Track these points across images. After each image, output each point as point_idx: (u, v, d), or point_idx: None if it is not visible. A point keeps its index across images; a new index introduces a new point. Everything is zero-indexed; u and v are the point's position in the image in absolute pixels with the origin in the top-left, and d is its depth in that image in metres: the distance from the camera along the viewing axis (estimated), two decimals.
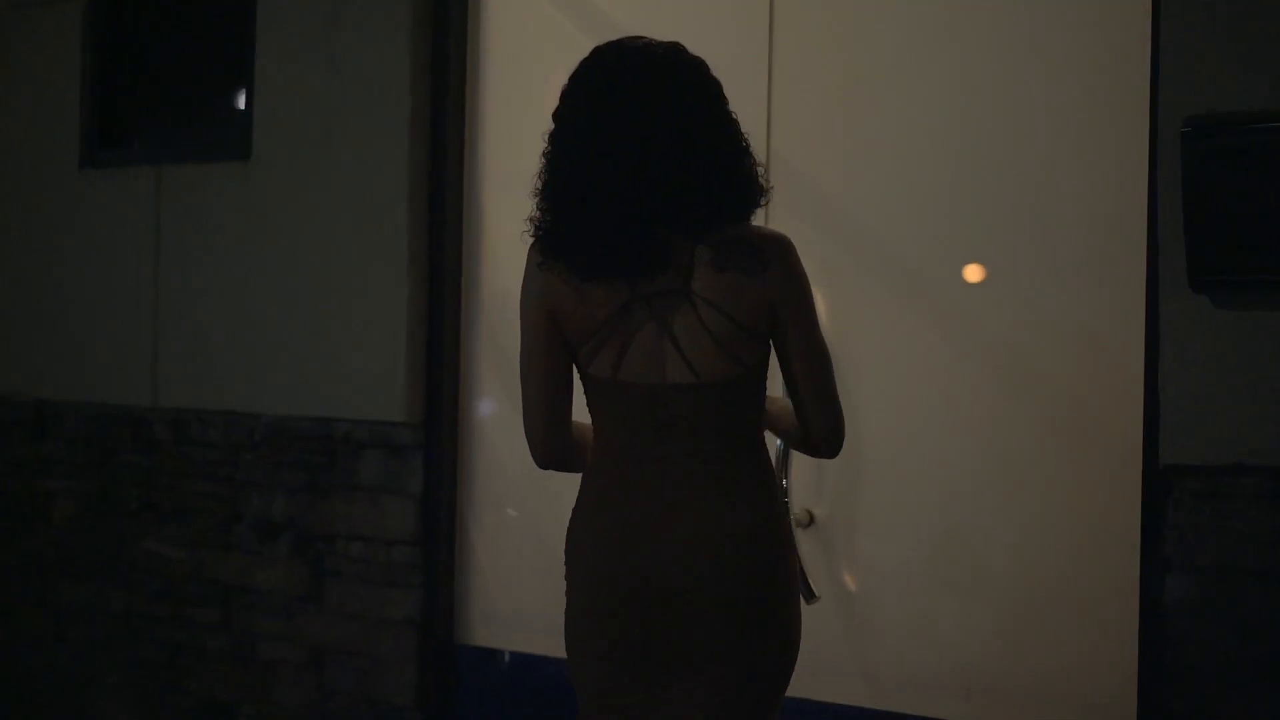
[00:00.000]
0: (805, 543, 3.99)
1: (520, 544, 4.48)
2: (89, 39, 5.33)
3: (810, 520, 4.03)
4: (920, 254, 3.90)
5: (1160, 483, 3.49)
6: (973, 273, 3.83)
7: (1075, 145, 3.70)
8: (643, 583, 2.61)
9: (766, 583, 2.63)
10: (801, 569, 3.77)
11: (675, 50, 2.63)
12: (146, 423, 5.15)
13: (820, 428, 2.69)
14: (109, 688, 5.27)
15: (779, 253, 2.61)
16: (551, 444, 2.72)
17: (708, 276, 2.57)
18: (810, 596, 3.87)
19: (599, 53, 2.64)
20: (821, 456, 2.75)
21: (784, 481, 3.89)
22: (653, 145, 2.51)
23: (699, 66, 2.64)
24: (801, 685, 3.90)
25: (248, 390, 4.90)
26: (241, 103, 4.90)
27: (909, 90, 3.93)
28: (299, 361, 4.76)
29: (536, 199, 2.61)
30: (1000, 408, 3.80)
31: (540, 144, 2.67)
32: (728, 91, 3.04)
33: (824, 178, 4.04)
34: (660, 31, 2.80)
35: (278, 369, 4.82)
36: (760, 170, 2.64)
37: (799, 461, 3.97)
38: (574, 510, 2.74)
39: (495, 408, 4.55)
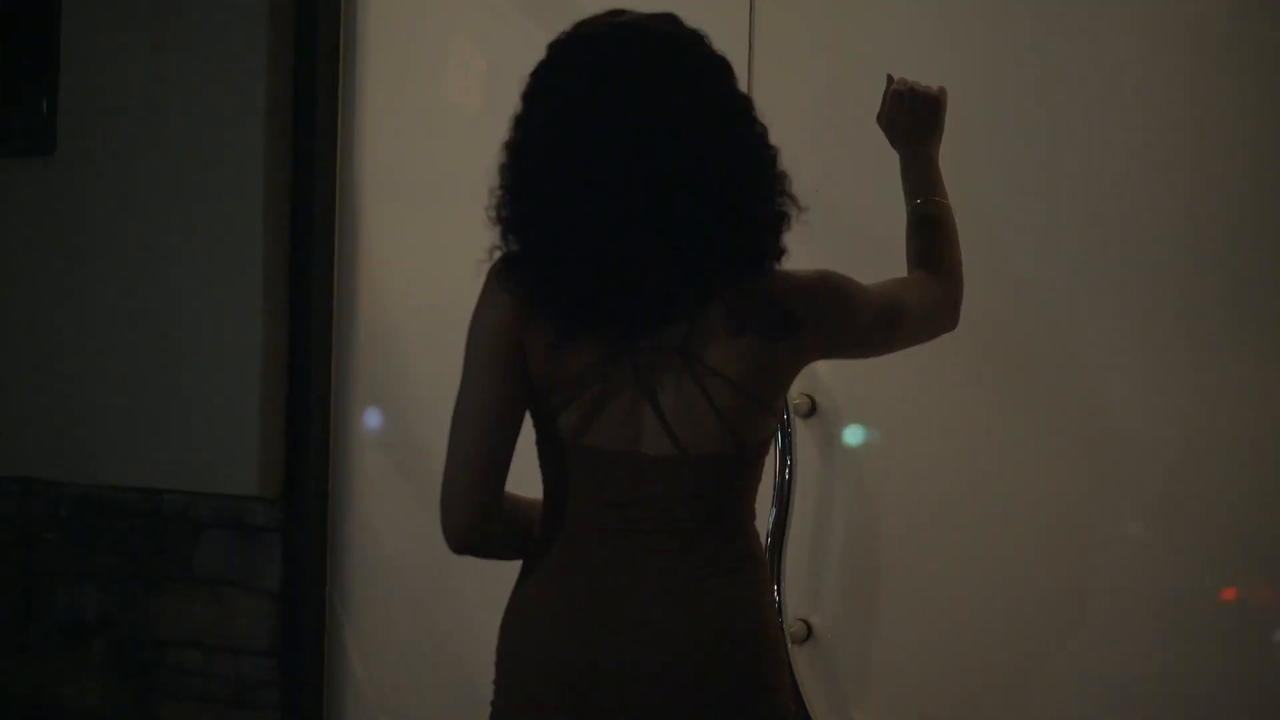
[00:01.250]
0: (800, 661, 3.50)
1: (410, 653, 4.16)
2: None
3: (808, 633, 3.52)
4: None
5: None
6: (1039, 309, 3.33)
7: (1183, 132, 3.17)
8: (598, 696, 2.42)
9: (753, 712, 2.43)
10: (800, 700, 3.42)
11: (693, 37, 2.40)
12: None
13: (947, 309, 2.69)
14: None
15: (816, 306, 2.41)
16: (476, 517, 2.45)
17: (719, 340, 2.37)
18: None
19: (575, 35, 2.40)
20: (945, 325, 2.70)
21: (775, 590, 3.42)
22: (661, 169, 2.28)
23: (722, 62, 2.41)
24: None
25: (51, 452, 4.46)
26: (42, 81, 4.48)
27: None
28: (119, 417, 4.33)
29: (497, 217, 2.37)
30: (1084, 484, 3.26)
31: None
32: None
33: (822, 188, 3.42)
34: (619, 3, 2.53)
35: (91, 426, 4.39)
36: (793, 200, 2.39)
37: (792, 558, 3.49)
38: (510, 602, 2.52)
39: (377, 479, 4.18)
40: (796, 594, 3.46)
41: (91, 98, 4.33)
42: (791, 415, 3.40)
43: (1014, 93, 3.36)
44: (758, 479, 2.50)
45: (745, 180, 2.37)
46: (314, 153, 4.11)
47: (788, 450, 3.37)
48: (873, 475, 3.47)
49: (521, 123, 2.37)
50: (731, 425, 2.40)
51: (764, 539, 3.34)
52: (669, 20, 2.38)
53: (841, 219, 3.49)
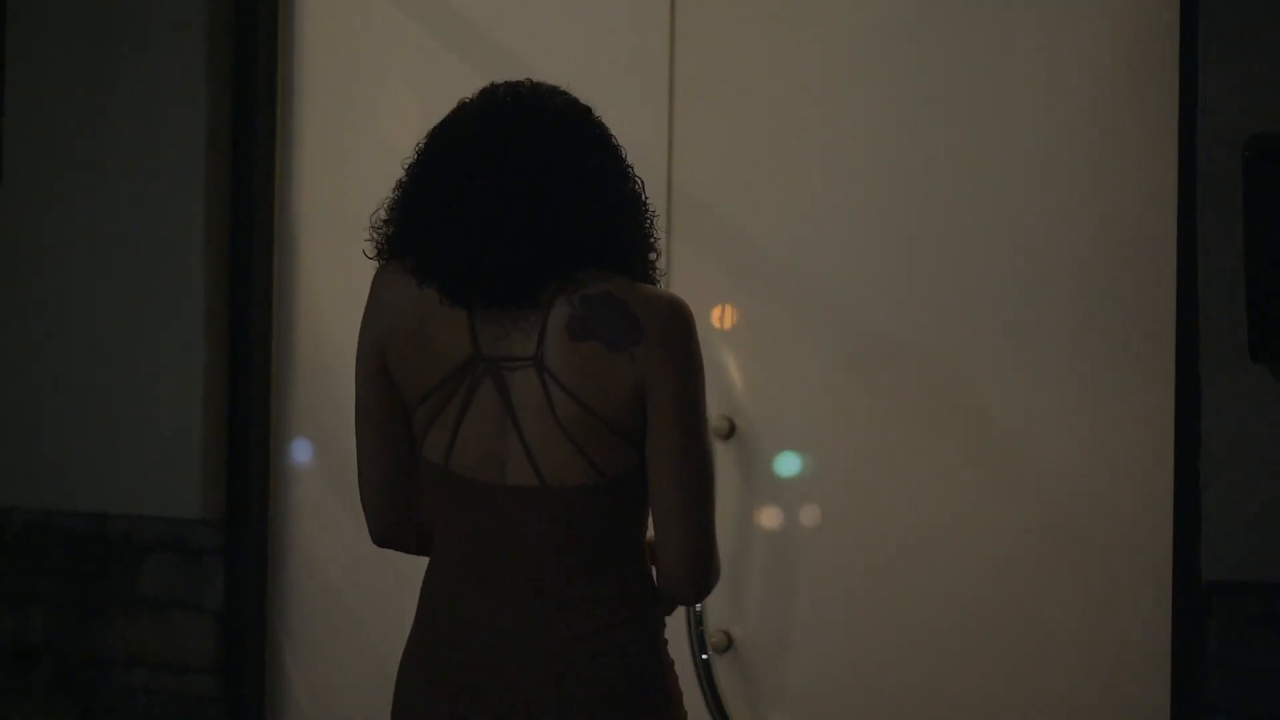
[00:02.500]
0: (722, 672, 3.55)
1: (348, 669, 4.13)
2: None
3: (728, 644, 3.58)
4: (875, 312, 3.51)
5: (1200, 604, 3.04)
6: (950, 336, 3.42)
7: (1077, 180, 3.30)
8: None
9: None
10: (721, 708, 3.47)
11: (572, 99, 2.43)
12: None
13: (676, 555, 2.30)
14: None
15: (662, 321, 2.28)
16: (388, 519, 2.46)
17: (561, 345, 2.28)
18: None
19: (480, 94, 2.42)
20: (675, 595, 2.35)
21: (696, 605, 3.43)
22: (534, 180, 2.29)
23: (599, 123, 2.43)
24: None
25: None
26: None
27: (854, 110, 3.55)
28: (64, 443, 4.28)
29: (380, 239, 2.39)
30: (985, 504, 3.38)
31: (372, 174, 2.56)
32: (623, 119, 2.71)
33: (743, 217, 3.64)
34: (540, 49, 2.94)
35: (35, 452, 4.32)
36: (655, 239, 2.39)
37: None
38: (407, 640, 2.47)
39: (315, 502, 4.17)
40: (718, 607, 3.51)
41: (37, 133, 4.31)
42: (714, 439, 3.44)
43: (925, 129, 3.45)
44: (636, 520, 2.35)
45: (609, 205, 2.35)
46: (253, 189, 4.11)
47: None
48: (789, 493, 3.53)
49: (422, 150, 2.40)
50: (584, 450, 2.31)
51: None
52: (556, 90, 2.43)
53: (773, 261, 3.58)
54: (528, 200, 2.30)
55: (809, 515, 3.52)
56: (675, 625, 3.36)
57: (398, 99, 3.99)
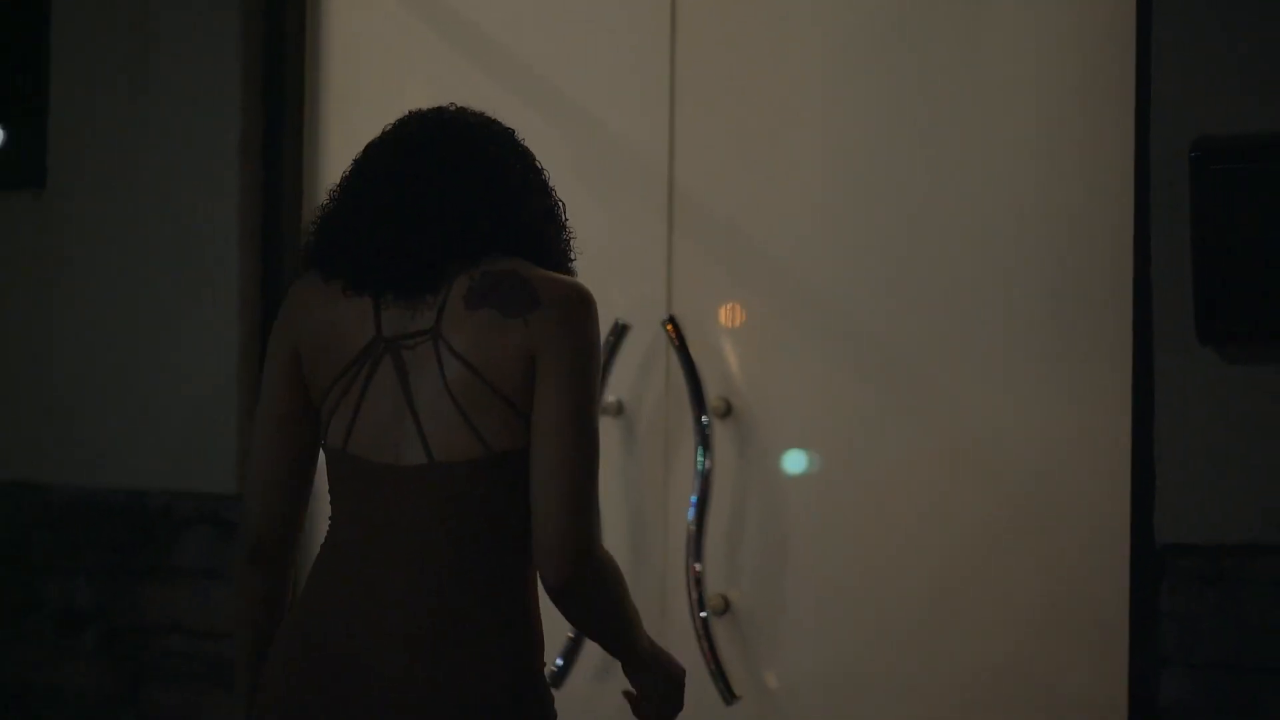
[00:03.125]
0: (720, 633, 3.66)
1: None
2: None
3: (725, 607, 3.70)
4: (858, 303, 3.63)
5: (1154, 565, 3.18)
6: (924, 325, 3.55)
7: (1044, 176, 3.44)
8: None
9: None
10: (719, 665, 3.57)
11: (492, 120, 2.42)
12: None
13: (551, 533, 2.19)
14: None
15: (560, 296, 2.24)
16: (268, 524, 2.39)
17: (457, 314, 2.24)
18: (729, 698, 3.59)
19: (410, 114, 2.45)
20: (546, 578, 2.22)
21: (698, 566, 3.62)
22: (430, 179, 2.30)
23: (508, 132, 2.42)
24: None
25: (41, 457, 4.47)
26: (33, 120, 4.52)
27: (842, 115, 3.65)
28: (105, 425, 4.37)
29: (304, 249, 2.41)
30: (958, 478, 3.51)
31: None
32: (625, 119, 2.85)
33: (739, 215, 3.74)
34: (543, 50, 2.88)
35: (80, 433, 4.41)
36: (571, 237, 2.40)
37: (712, 541, 3.67)
38: (281, 623, 2.41)
39: None
40: (717, 573, 3.65)
41: (80, 136, 4.39)
42: (711, 419, 3.60)
43: (905, 135, 3.56)
44: (520, 507, 2.24)
45: (506, 197, 2.32)
46: (282, 189, 4.19)
47: (706, 447, 3.58)
48: (781, 469, 3.66)
49: (342, 181, 2.39)
50: (471, 419, 2.23)
51: (686, 526, 3.59)
52: (465, 109, 2.42)
53: (772, 259, 3.70)
54: (429, 191, 2.28)
55: (800, 489, 3.64)
56: (676, 588, 3.58)
57: (416, 103, 4.08)
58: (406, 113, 2.43)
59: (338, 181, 2.40)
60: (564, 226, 2.38)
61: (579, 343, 2.21)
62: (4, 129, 4.63)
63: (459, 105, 2.41)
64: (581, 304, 2.25)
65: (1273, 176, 2.94)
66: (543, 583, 2.23)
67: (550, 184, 2.40)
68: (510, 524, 2.24)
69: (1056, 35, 3.40)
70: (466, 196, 2.28)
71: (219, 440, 4.22)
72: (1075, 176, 3.38)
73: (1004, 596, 3.44)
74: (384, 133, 2.40)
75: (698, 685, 3.51)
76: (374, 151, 2.38)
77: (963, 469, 3.49)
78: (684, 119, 3.76)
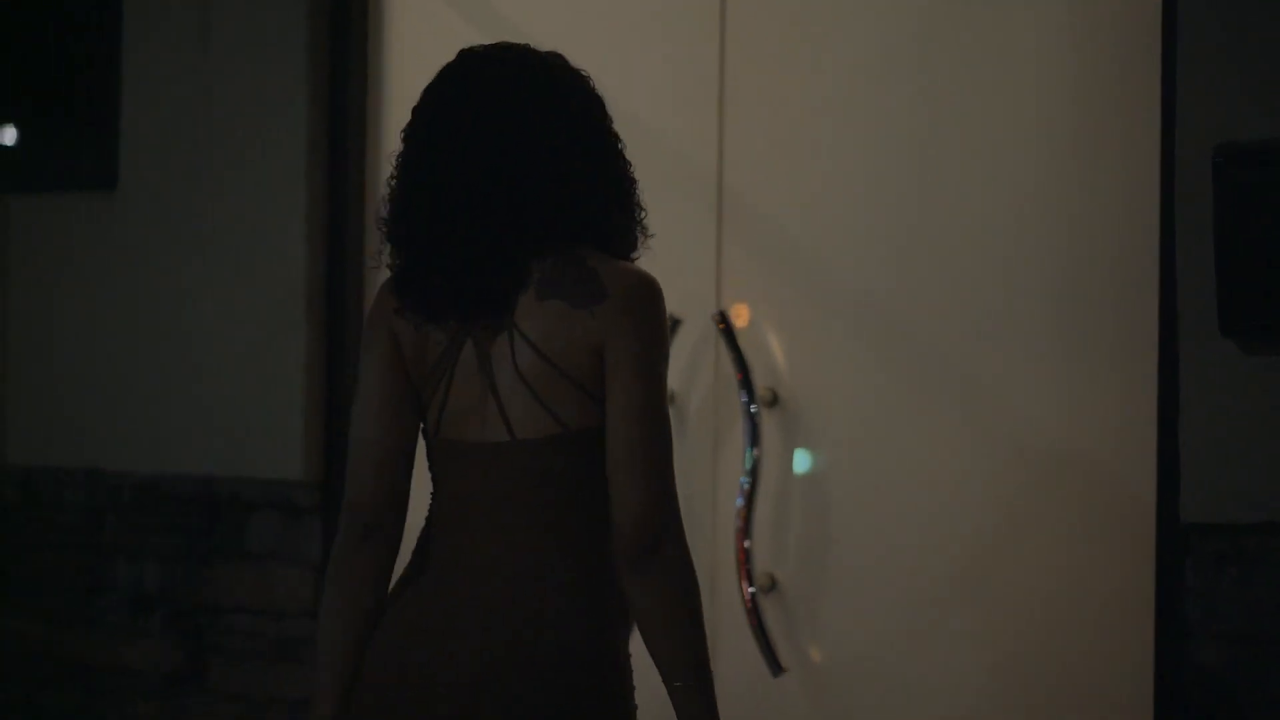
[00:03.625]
0: (767, 609, 3.81)
1: None
2: None
3: (772, 585, 3.85)
4: (896, 297, 3.75)
5: (1179, 542, 3.32)
6: (959, 317, 3.68)
7: (1072, 176, 3.57)
8: (404, 706, 2.32)
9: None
10: (767, 639, 3.69)
11: (550, 56, 2.39)
12: None
13: (629, 508, 2.24)
14: None
15: (628, 287, 2.29)
16: (385, 511, 2.39)
17: (529, 304, 2.29)
18: (776, 670, 3.73)
19: (460, 56, 2.43)
20: (626, 555, 2.25)
21: (746, 544, 3.75)
22: (504, 159, 2.29)
23: (578, 76, 2.39)
24: None
25: (114, 446, 4.60)
26: (106, 124, 4.62)
27: (881, 118, 3.77)
28: (178, 415, 4.51)
29: (383, 231, 2.42)
30: (991, 461, 3.65)
31: None
32: (675, 123, 2.85)
33: (784, 214, 3.88)
34: (596, 55, 2.63)
35: (150, 422, 4.56)
36: (643, 211, 2.40)
37: (760, 523, 3.82)
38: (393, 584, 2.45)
39: None
40: (764, 553, 3.80)
41: (150, 139, 4.51)
42: (759, 407, 3.74)
43: (944, 134, 3.68)
44: (595, 481, 2.29)
45: (589, 176, 2.32)
46: (346, 190, 4.32)
47: (755, 434, 3.73)
48: (826, 454, 3.80)
49: (402, 139, 2.42)
50: (544, 400, 2.28)
51: (736, 509, 3.73)
52: (550, 54, 2.39)
53: (816, 257, 3.81)
54: (500, 186, 2.27)
55: (841, 474, 3.77)
56: (726, 566, 3.72)
57: None
58: (464, 53, 2.40)
59: (401, 141, 2.39)
60: (633, 189, 2.38)
61: (645, 331, 2.26)
62: (77, 132, 4.72)
63: (523, 46, 2.38)
64: (647, 293, 2.29)
65: None
66: (619, 561, 2.27)
67: (619, 142, 2.38)
68: (591, 495, 2.30)
69: (1086, 43, 3.53)
70: (537, 184, 2.28)
71: (285, 428, 4.33)
72: (1105, 178, 3.51)
73: (1035, 574, 3.57)
74: (446, 82, 2.38)
75: (747, 658, 3.74)
76: (438, 115, 2.35)
77: (996, 454, 3.62)
78: (732, 122, 3.89)
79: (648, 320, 2.27)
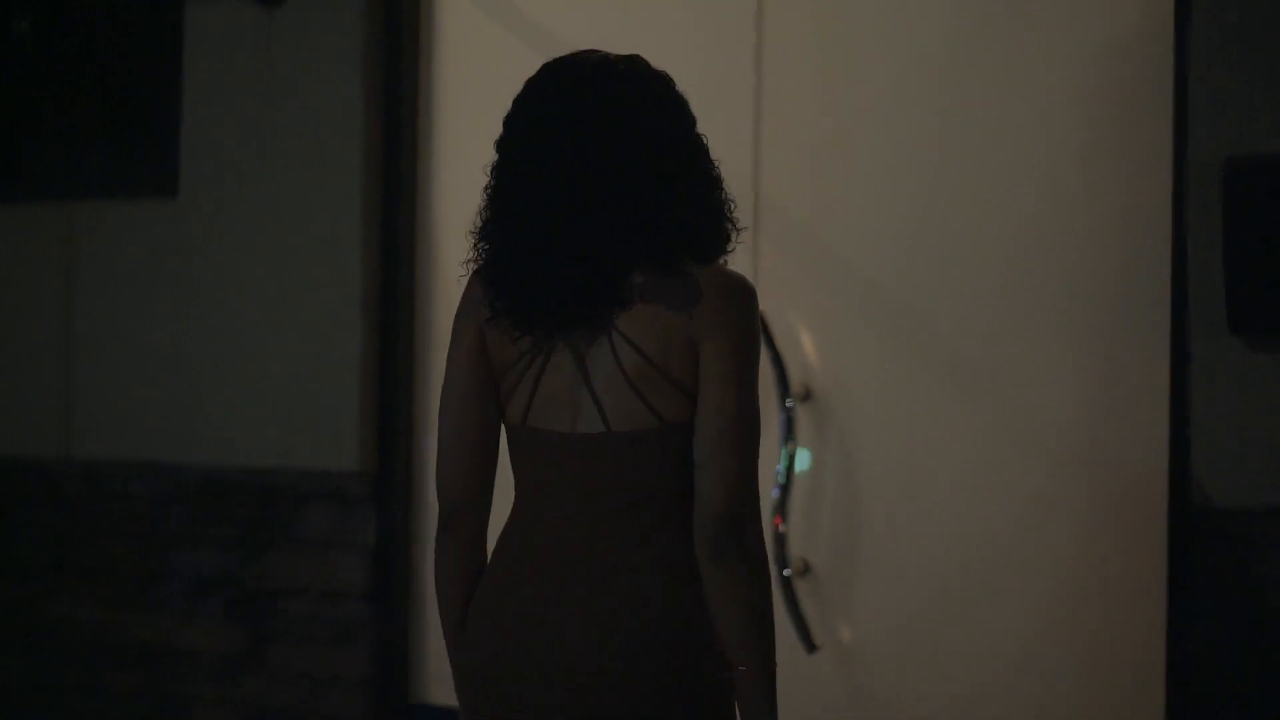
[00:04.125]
0: (801, 591, 4.00)
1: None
2: None
3: (806, 568, 4.04)
4: (920, 297, 3.94)
5: (1189, 527, 3.52)
6: (981, 317, 3.86)
7: (1088, 184, 3.75)
8: (522, 685, 2.38)
9: (663, 698, 2.34)
10: (801, 619, 3.86)
11: (633, 62, 2.44)
12: (55, 476, 4.96)
13: (716, 495, 2.30)
14: None
15: (722, 289, 2.34)
16: (465, 505, 2.45)
17: (633, 309, 2.34)
18: (810, 647, 3.90)
19: (546, 67, 2.46)
20: (700, 552, 2.32)
21: (780, 528, 3.91)
22: (601, 172, 2.33)
23: (663, 81, 2.44)
24: None
25: (176, 440, 4.76)
26: (167, 132, 4.77)
27: (907, 128, 3.97)
28: (239, 410, 4.68)
29: (475, 237, 2.45)
30: (1012, 452, 3.83)
31: None
32: (713, 131, 2.91)
33: (816, 219, 4.07)
34: None
35: (211, 417, 4.72)
36: (732, 204, 2.43)
37: (795, 511, 4.01)
38: (480, 583, 2.49)
39: None
40: (798, 539, 3.98)
41: (210, 148, 4.65)
42: (794, 402, 3.93)
43: (970, 142, 3.85)
44: (685, 471, 2.35)
45: (683, 185, 2.36)
46: (400, 197, 4.47)
47: (790, 427, 3.93)
48: (856, 446, 3.96)
49: (497, 150, 2.43)
50: (644, 396, 2.33)
51: (771, 500, 3.88)
52: (631, 59, 2.44)
53: (848, 261, 3.97)
54: (595, 212, 2.31)
55: (871, 464, 3.94)
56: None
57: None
58: (553, 64, 2.42)
59: (496, 149, 2.41)
60: (720, 183, 2.42)
61: (738, 330, 2.32)
62: (140, 143, 4.87)
63: (605, 54, 2.41)
64: (742, 294, 2.35)
65: None
66: (698, 548, 2.31)
67: (702, 136, 2.42)
68: (681, 484, 2.35)
69: (1103, 60, 3.72)
70: (637, 195, 2.32)
71: (339, 423, 4.49)
72: (1122, 187, 3.70)
73: (1053, 559, 3.76)
74: (539, 93, 2.40)
75: (781, 636, 3.77)
76: (534, 126, 2.37)
77: (1017, 445, 3.80)
78: (768, 134, 4.06)
79: (741, 319, 2.33)
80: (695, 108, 4.09)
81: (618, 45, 4.01)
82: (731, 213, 2.42)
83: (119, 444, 4.86)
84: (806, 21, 4.05)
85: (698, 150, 2.42)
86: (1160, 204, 3.62)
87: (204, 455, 4.71)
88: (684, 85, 3.99)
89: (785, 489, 3.95)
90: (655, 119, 2.38)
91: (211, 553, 4.71)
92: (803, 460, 3.98)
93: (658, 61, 3.80)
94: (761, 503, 3.03)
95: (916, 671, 3.92)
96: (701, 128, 2.51)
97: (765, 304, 3.93)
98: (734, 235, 2.41)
